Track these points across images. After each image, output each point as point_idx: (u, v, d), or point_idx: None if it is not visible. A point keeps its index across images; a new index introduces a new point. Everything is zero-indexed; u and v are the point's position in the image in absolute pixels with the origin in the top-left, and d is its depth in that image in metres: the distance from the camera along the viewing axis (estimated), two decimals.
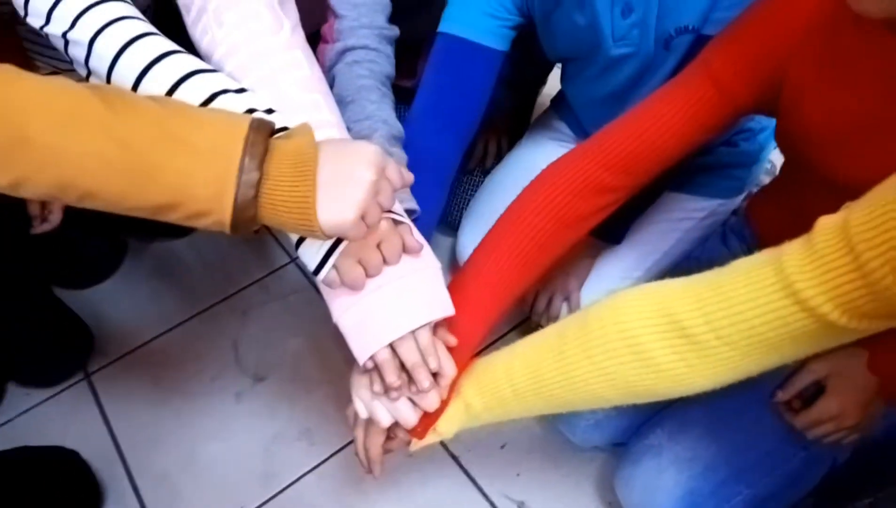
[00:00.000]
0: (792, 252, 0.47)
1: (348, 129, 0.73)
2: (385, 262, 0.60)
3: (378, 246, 0.60)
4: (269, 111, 0.60)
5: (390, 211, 0.61)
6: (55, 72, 0.97)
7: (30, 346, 1.05)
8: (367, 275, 0.60)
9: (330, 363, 1.08)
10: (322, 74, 0.69)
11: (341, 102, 0.76)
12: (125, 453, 0.99)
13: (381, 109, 0.77)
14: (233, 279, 1.21)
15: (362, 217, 0.54)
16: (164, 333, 1.14)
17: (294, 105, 0.63)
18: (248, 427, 1.01)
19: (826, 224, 0.46)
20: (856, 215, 0.44)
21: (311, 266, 0.60)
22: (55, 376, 1.09)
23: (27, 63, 0.93)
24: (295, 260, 1.23)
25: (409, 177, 0.60)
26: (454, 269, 1.11)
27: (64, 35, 0.61)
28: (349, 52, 0.80)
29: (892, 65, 0.58)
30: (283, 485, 0.95)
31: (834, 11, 0.62)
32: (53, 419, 1.04)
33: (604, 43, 0.82)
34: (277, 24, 0.66)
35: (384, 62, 0.82)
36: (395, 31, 0.85)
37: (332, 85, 0.79)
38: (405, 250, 0.61)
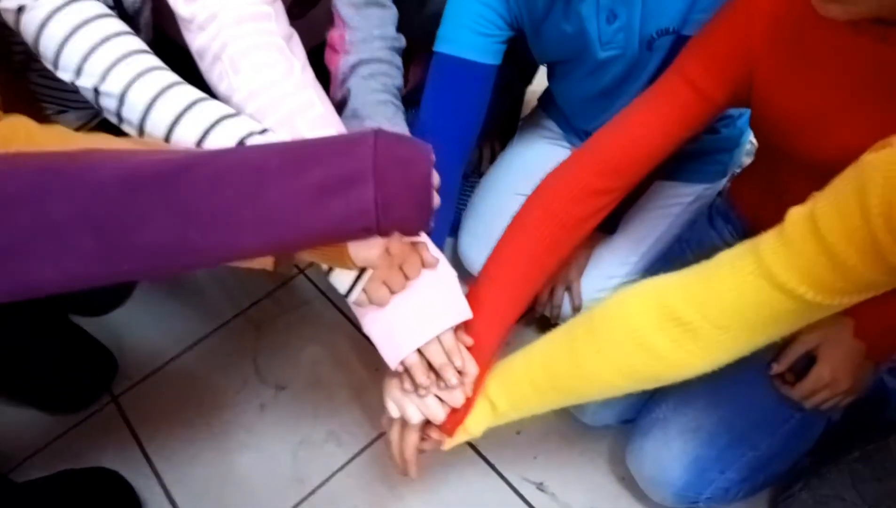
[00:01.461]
0: (767, 242, 0.53)
1: None
2: (407, 279, 0.66)
3: (400, 267, 0.65)
4: None
5: None
6: (62, 111, 1.01)
7: (54, 374, 1.09)
8: (392, 293, 0.66)
9: (347, 367, 1.13)
10: (333, 108, 0.73)
11: (357, 118, 0.79)
12: (160, 470, 1.04)
13: (395, 124, 0.80)
14: (245, 294, 1.25)
15: (387, 250, 0.59)
16: (185, 351, 1.18)
17: None
18: (276, 435, 1.06)
19: (795, 215, 0.52)
20: (820, 205, 0.50)
21: (342, 291, 0.66)
22: (81, 401, 1.13)
23: (35, 105, 0.96)
24: (303, 272, 1.28)
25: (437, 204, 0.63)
26: (455, 265, 1.15)
27: (95, 88, 0.65)
28: (362, 66, 0.81)
29: (854, 60, 0.63)
30: (314, 486, 1.00)
31: (799, 11, 0.66)
32: (86, 443, 1.08)
33: (591, 47, 0.86)
34: (289, 68, 0.70)
35: (396, 74, 0.84)
36: (402, 41, 0.86)
37: (346, 99, 0.81)
38: (424, 265, 0.67)
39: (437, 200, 0.57)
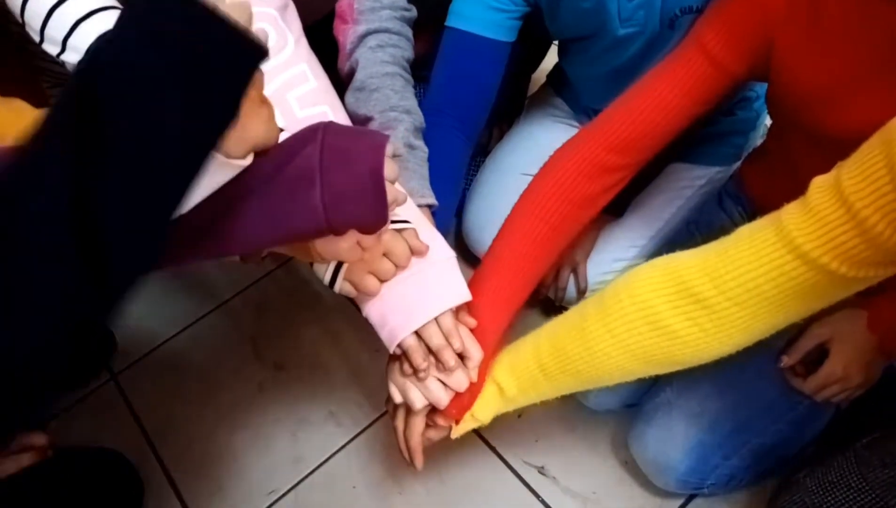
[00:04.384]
0: (791, 212, 0.51)
1: (372, 118, 0.75)
2: (396, 267, 0.64)
3: (386, 255, 0.64)
4: None
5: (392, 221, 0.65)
6: (59, 84, 0.99)
7: None
8: (382, 281, 0.64)
9: (345, 347, 1.12)
10: (329, 82, 0.71)
11: (365, 90, 0.77)
12: (158, 448, 1.03)
13: (404, 98, 0.78)
14: (244, 274, 1.23)
15: (358, 243, 0.58)
16: (184, 330, 1.17)
17: (302, 119, 0.66)
18: (274, 415, 1.05)
19: (820, 183, 0.50)
20: (846, 171, 0.48)
21: (325, 282, 0.65)
22: (80, 378, 1.12)
23: (32, 79, 0.95)
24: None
25: (404, 198, 0.61)
26: (460, 245, 1.14)
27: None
28: (371, 36, 0.79)
29: (875, 30, 0.61)
30: (312, 467, 0.99)
31: None
32: (85, 420, 1.07)
33: (610, 24, 0.84)
34: (282, 40, 0.68)
35: (406, 46, 0.82)
36: (413, 12, 0.84)
37: (353, 70, 0.79)
38: (413, 252, 0.65)
39: (394, 192, 0.55)
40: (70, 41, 0.66)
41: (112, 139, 0.37)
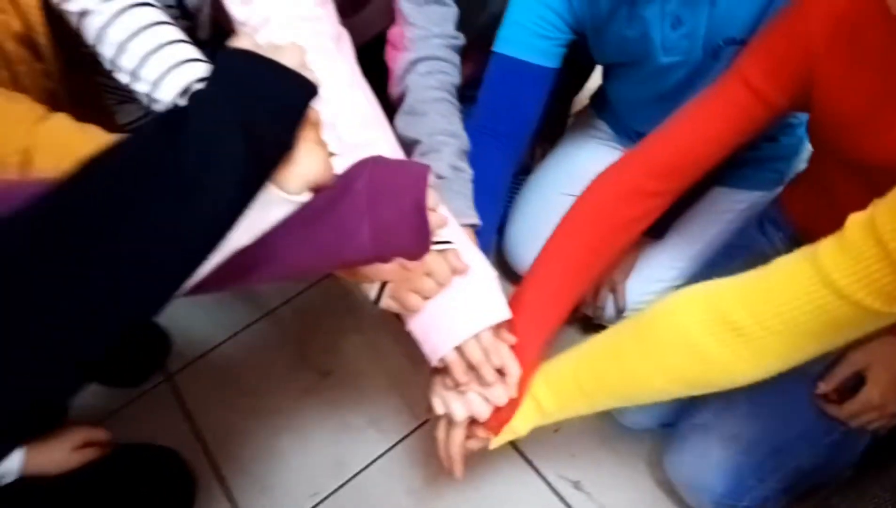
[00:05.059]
0: (827, 248, 0.53)
1: (419, 141, 0.80)
2: (439, 285, 0.68)
3: (428, 274, 0.67)
4: None
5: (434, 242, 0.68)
6: (124, 101, 1.06)
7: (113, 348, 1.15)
8: (425, 299, 0.68)
9: (388, 357, 1.15)
10: (379, 109, 0.75)
11: (414, 114, 0.82)
12: (210, 447, 1.08)
13: (451, 122, 0.82)
14: (292, 284, 1.28)
15: (402, 265, 0.62)
16: (234, 335, 1.23)
17: (351, 145, 0.70)
18: (318, 419, 1.09)
19: (856, 220, 0.52)
20: (881, 210, 0.50)
21: (371, 299, 0.69)
22: (138, 376, 1.18)
23: (99, 96, 1.01)
24: None
25: (445, 222, 0.64)
26: (500, 262, 1.17)
27: (148, 95, 0.70)
28: (420, 63, 0.84)
29: None
30: (354, 472, 1.03)
31: (860, 10, 0.66)
32: (140, 419, 1.13)
33: (653, 52, 0.86)
34: (335, 70, 0.73)
35: (453, 72, 0.86)
36: (461, 39, 0.88)
37: (403, 94, 0.84)
38: (454, 272, 0.68)
39: (435, 219, 0.59)
40: (140, 72, 0.72)
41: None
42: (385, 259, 0.58)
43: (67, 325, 0.39)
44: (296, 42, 0.49)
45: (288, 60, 0.47)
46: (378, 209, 0.55)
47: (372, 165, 0.57)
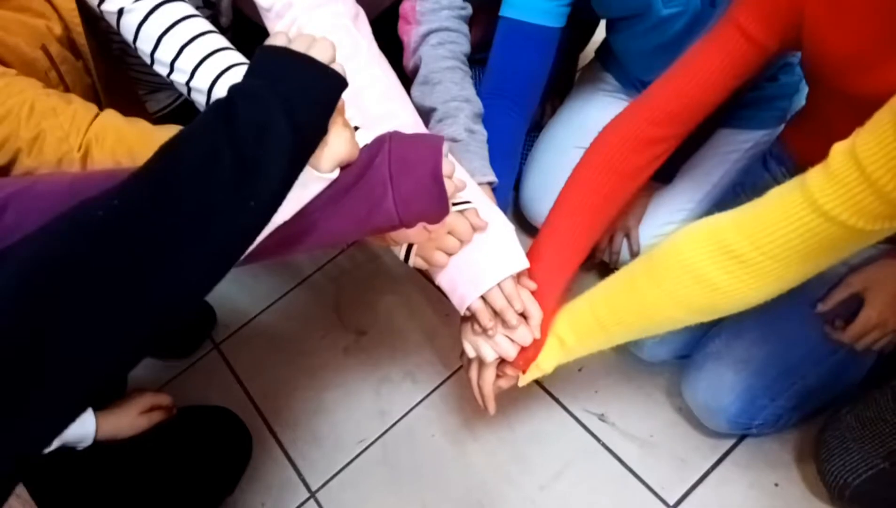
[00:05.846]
0: (814, 176, 0.59)
1: (435, 109, 0.85)
2: (461, 242, 0.74)
3: (451, 233, 0.74)
4: None
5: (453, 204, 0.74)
6: (154, 90, 1.12)
7: None
8: (449, 255, 0.75)
9: (420, 313, 1.23)
10: (397, 80, 0.81)
11: (428, 83, 0.88)
12: (261, 407, 1.18)
13: (463, 88, 0.87)
14: (323, 252, 1.35)
15: (424, 227, 0.68)
16: (273, 303, 1.31)
17: (374, 117, 0.76)
18: (359, 375, 1.17)
19: (839, 149, 0.57)
20: (861, 138, 0.55)
21: (401, 258, 0.76)
22: (187, 347, 1.28)
23: (131, 87, 1.08)
24: None
25: (462, 185, 0.71)
26: (518, 217, 1.23)
27: (187, 84, 0.76)
28: (432, 35, 0.89)
29: None
30: (395, 419, 1.11)
31: None
32: (195, 385, 1.23)
33: (654, 4, 0.90)
34: (355, 48, 0.78)
35: (463, 41, 0.91)
36: (469, 9, 0.93)
37: (417, 66, 0.90)
38: (474, 229, 0.75)
39: (452, 185, 0.65)
40: (177, 63, 0.78)
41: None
42: (409, 225, 0.65)
43: (147, 302, 0.46)
44: (326, 38, 0.55)
45: (320, 55, 0.53)
46: (398, 181, 0.62)
47: (390, 141, 0.64)
